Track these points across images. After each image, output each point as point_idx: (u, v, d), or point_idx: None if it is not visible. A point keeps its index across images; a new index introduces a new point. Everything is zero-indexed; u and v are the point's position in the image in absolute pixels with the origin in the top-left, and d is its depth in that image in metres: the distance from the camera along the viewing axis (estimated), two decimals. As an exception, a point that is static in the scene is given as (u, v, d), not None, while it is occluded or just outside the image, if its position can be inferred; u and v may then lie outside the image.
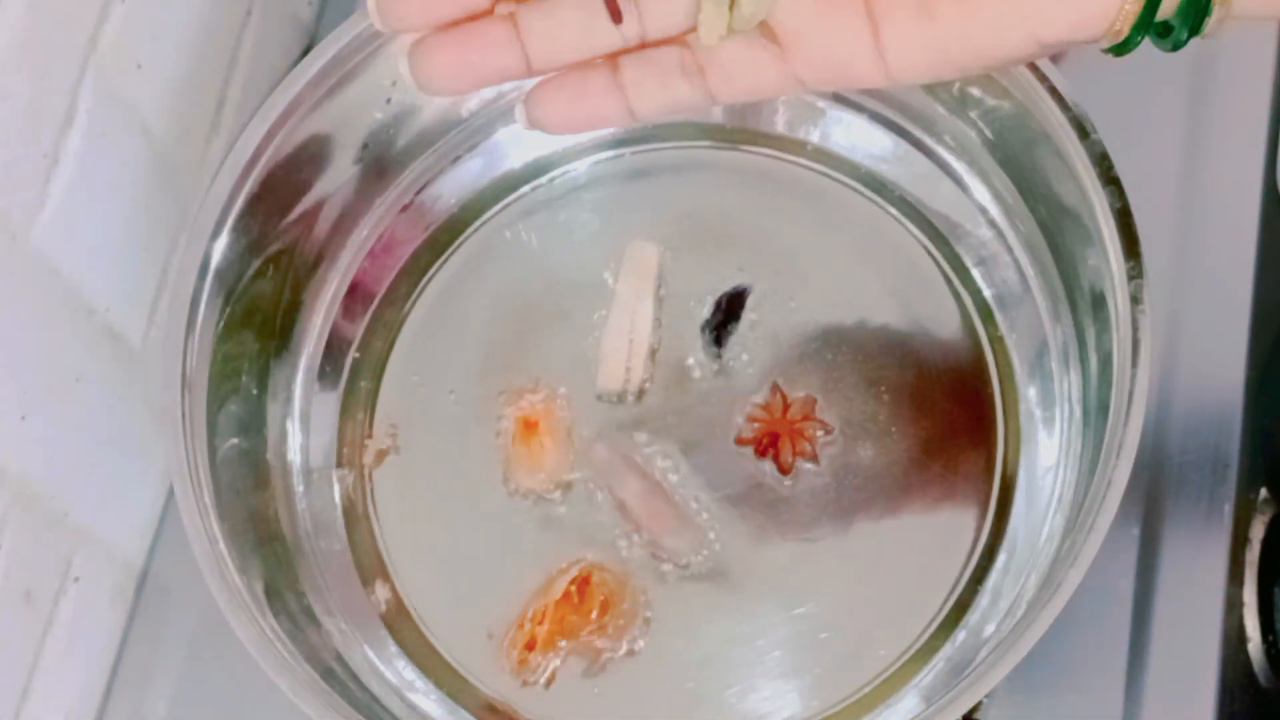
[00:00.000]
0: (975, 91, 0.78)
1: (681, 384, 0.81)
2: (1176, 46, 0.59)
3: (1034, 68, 0.74)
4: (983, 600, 0.76)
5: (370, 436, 0.81)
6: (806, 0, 0.58)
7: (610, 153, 0.85)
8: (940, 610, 0.76)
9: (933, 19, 0.58)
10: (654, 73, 0.60)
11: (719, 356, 0.80)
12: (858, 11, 0.58)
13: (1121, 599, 0.76)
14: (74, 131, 0.72)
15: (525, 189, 0.85)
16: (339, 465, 0.81)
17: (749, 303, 0.81)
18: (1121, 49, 0.59)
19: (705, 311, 0.81)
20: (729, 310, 0.81)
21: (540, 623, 0.76)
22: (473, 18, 0.59)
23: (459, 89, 0.61)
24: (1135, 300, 0.70)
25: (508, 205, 0.85)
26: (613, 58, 0.60)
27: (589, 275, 0.83)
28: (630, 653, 0.76)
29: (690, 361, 0.81)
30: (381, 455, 0.81)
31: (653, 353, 0.81)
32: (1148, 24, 0.58)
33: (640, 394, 0.80)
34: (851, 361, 0.80)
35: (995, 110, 0.77)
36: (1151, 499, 0.77)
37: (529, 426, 0.80)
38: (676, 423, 0.80)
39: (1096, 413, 0.73)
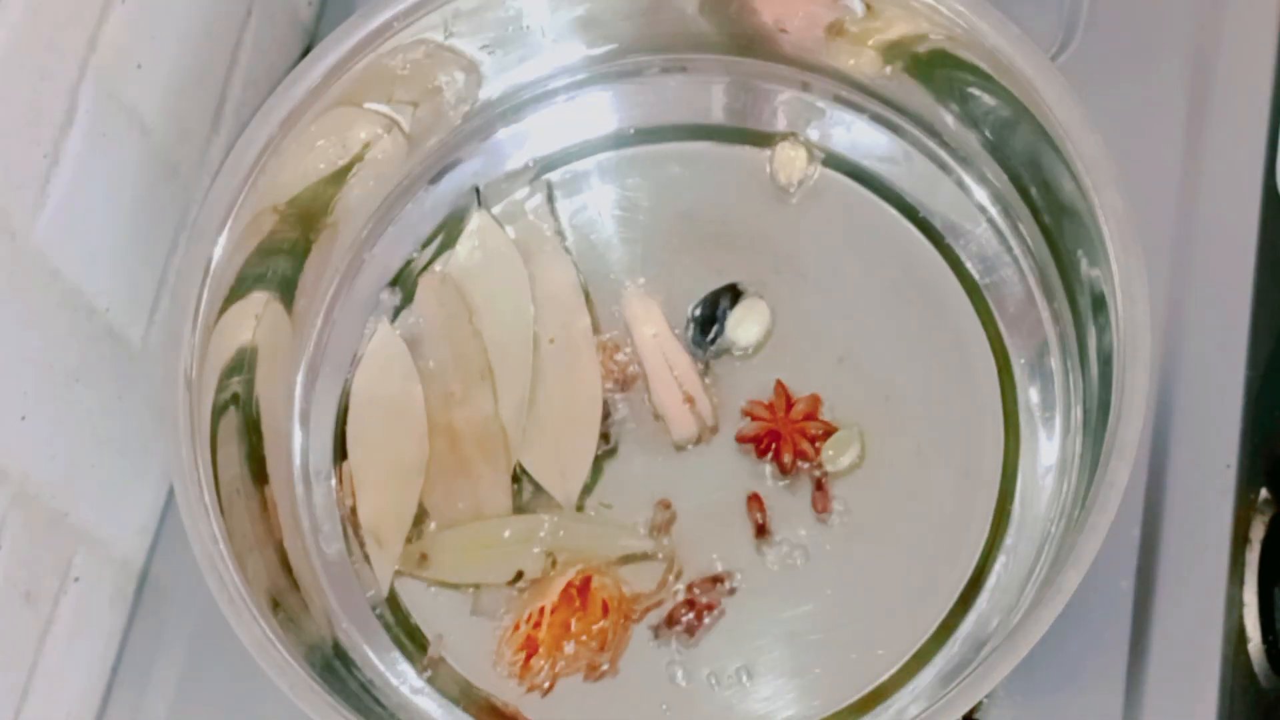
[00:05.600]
0: (975, 91, 0.78)
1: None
2: None
3: (1034, 67, 0.74)
4: (983, 600, 0.75)
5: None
6: None
7: (611, 153, 0.85)
8: (940, 610, 0.76)
9: None
10: None
11: (704, 353, 0.80)
12: None
13: (1121, 599, 0.76)
14: (74, 131, 0.72)
15: (525, 189, 0.85)
16: (339, 465, 0.81)
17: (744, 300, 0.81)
18: None
19: (693, 311, 0.81)
20: (709, 312, 0.81)
21: (537, 626, 0.76)
22: None
23: None
24: (1135, 300, 0.70)
25: (508, 205, 0.85)
26: None
27: (590, 275, 0.83)
28: (629, 653, 0.77)
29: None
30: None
31: (704, 382, 0.80)
32: None
33: (714, 428, 0.80)
34: (851, 361, 0.80)
35: (995, 110, 0.77)
36: (1151, 499, 0.77)
37: None
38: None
39: (1096, 413, 0.73)
